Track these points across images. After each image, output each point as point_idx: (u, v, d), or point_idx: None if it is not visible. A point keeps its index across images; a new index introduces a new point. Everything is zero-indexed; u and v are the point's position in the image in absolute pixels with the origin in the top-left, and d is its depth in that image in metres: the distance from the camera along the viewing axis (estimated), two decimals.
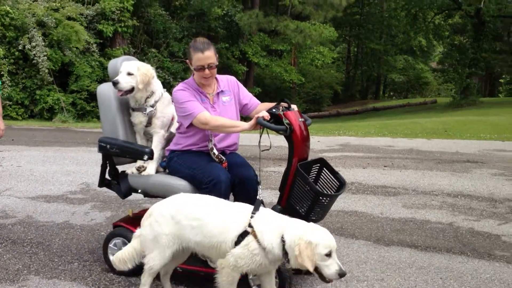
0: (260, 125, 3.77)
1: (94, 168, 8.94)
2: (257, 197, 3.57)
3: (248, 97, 4.42)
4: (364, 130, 18.58)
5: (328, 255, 3.00)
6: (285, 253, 3.09)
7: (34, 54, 19.89)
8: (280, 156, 10.49)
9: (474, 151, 12.22)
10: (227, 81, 4.37)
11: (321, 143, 13.51)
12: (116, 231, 4.26)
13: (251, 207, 3.29)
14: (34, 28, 20.35)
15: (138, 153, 4.14)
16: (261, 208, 3.29)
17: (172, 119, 4.47)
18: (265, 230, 3.13)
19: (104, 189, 7.27)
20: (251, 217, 3.19)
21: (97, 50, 22.46)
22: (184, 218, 3.30)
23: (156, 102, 4.35)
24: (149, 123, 4.34)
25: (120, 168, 4.48)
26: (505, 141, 14.87)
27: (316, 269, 3.03)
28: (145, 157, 4.08)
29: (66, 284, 4.03)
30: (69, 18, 21.35)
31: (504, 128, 18.53)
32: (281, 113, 3.74)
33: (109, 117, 4.34)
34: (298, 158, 3.75)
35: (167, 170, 4.33)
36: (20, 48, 20.19)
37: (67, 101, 21.16)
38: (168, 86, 25.93)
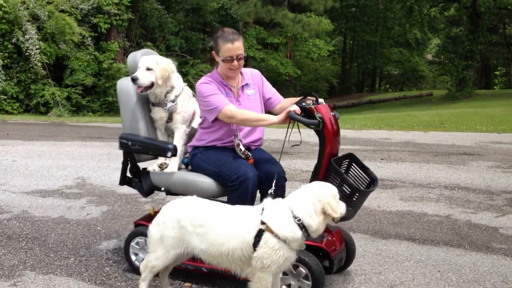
0: (289, 119, 3.64)
1: (89, 163, 8.90)
2: (269, 192, 3.48)
3: (272, 91, 4.30)
4: (361, 123, 18.56)
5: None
6: (305, 230, 3.10)
7: (27, 47, 19.78)
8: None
9: (470, 144, 12.22)
10: (251, 74, 4.25)
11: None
12: (138, 230, 4.12)
13: (259, 206, 3.23)
14: (28, 21, 20.23)
15: (161, 150, 4.00)
16: (266, 201, 3.25)
17: (194, 114, 4.35)
18: (278, 221, 3.09)
19: (100, 183, 7.33)
20: (261, 214, 3.14)
21: (92, 44, 22.34)
22: (190, 224, 3.23)
23: (176, 97, 4.21)
24: (170, 118, 4.20)
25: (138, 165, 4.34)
26: (501, 133, 14.88)
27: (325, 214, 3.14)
28: (169, 154, 3.95)
29: (62, 280, 4.01)
30: (62, 11, 21.21)
31: (500, 120, 18.54)
32: (313, 107, 3.63)
33: (130, 113, 4.20)
34: (329, 153, 3.65)
35: (189, 167, 4.22)
36: (13, 41, 20.08)
37: (62, 95, 21.06)
38: None
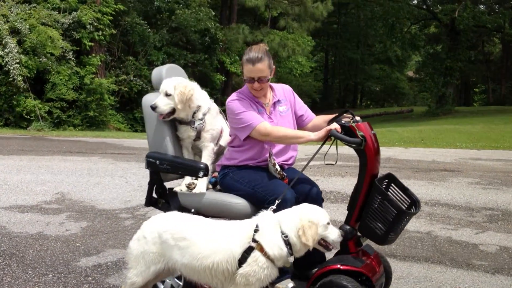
0: (328, 137, 3.51)
1: (69, 177, 8.80)
2: (270, 208, 3.35)
3: (304, 108, 4.09)
4: None
5: (328, 223, 3.19)
6: (290, 247, 3.10)
7: (6, 61, 19.63)
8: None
9: (450, 160, 12.35)
10: (283, 90, 4.05)
11: (300, 151, 13.47)
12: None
13: (253, 221, 3.18)
14: (8, 35, 20.08)
15: (192, 170, 3.76)
16: (260, 217, 3.20)
17: (221, 131, 4.17)
18: (270, 239, 3.08)
19: (80, 198, 7.25)
20: (255, 231, 3.10)
21: (73, 58, 22.25)
22: (171, 238, 3.18)
23: (204, 115, 4.01)
24: (197, 137, 4.01)
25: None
26: (480, 149, 15.07)
27: (319, 242, 3.16)
28: (201, 174, 3.71)
29: None
30: (43, 25, 21.12)
31: (479, 136, 18.80)
32: (353, 124, 3.48)
33: (156, 130, 3.98)
34: (370, 173, 3.48)
35: (217, 187, 4.05)
36: None
37: (43, 109, 20.88)
38: (146, 94, 25.74)
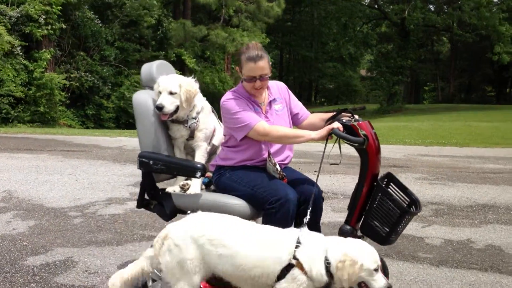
0: (329, 136, 3.42)
1: (16, 175, 8.59)
2: (304, 221, 3.22)
3: (299, 105, 3.99)
4: None
5: (376, 269, 2.94)
6: (330, 275, 2.90)
7: None
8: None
9: (399, 156, 12.63)
10: (278, 87, 3.93)
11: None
12: None
13: (295, 235, 3.00)
14: None
15: (188, 170, 3.61)
16: (304, 233, 3.03)
17: (214, 130, 4.06)
18: (311, 259, 2.91)
19: (27, 196, 7.10)
20: (296, 247, 2.92)
21: (21, 53, 21.63)
22: (208, 243, 2.96)
23: (198, 113, 3.90)
24: (190, 136, 3.89)
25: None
26: (428, 146, 15.46)
27: (360, 284, 2.94)
28: (198, 174, 3.57)
29: None
30: None
31: (428, 133, 19.28)
32: (355, 123, 3.41)
33: (150, 129, 3.78)
34: (371, 172, 3.43)
35: (211, 187, 3.93)
36: None
37: None
38: (97, 91, 25.34)
